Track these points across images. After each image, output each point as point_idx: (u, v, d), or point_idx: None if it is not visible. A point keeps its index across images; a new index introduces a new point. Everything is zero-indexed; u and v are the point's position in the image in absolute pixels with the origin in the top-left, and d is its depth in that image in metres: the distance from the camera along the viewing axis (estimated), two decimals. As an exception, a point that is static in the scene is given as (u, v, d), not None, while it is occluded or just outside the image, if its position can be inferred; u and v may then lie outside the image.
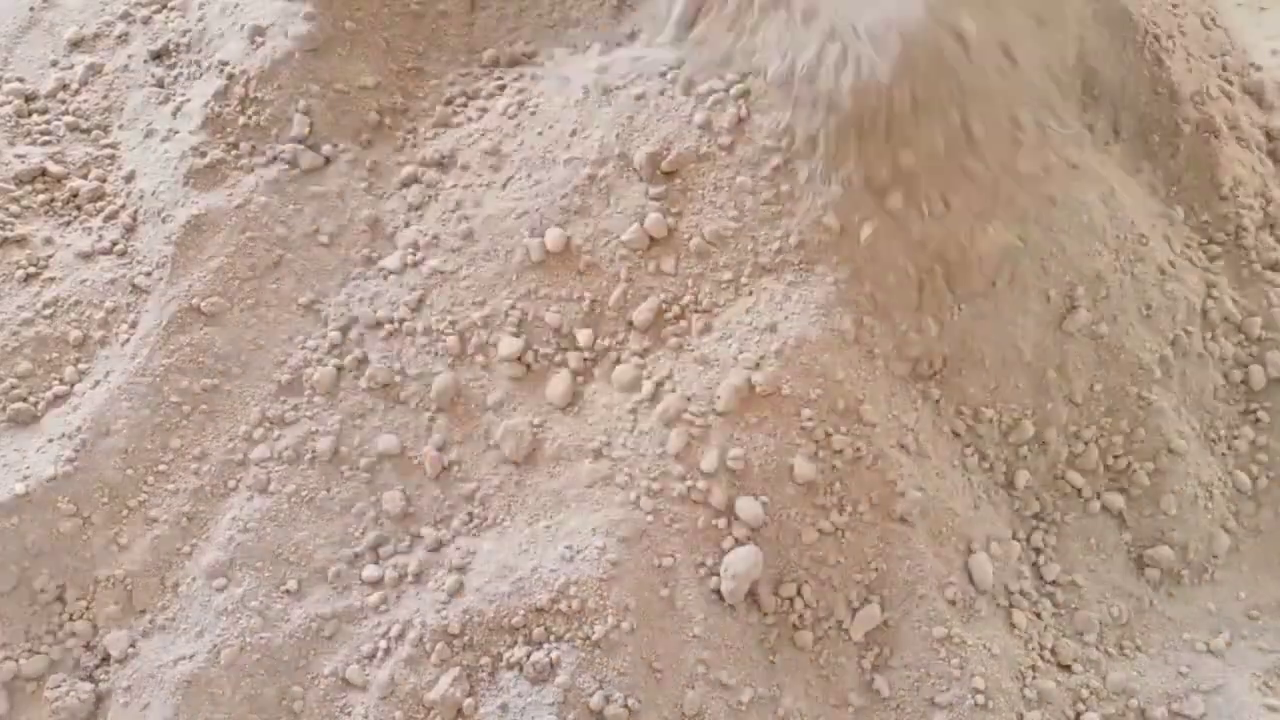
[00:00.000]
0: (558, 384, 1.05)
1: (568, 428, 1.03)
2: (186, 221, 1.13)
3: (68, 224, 1.19)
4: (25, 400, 1.07)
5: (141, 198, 1.19)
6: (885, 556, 1.00)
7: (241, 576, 0.98)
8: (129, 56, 1.32)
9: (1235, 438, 1.14)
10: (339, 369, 1.08)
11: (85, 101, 1.30)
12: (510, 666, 0.92)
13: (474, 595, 0.95)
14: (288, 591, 0.97)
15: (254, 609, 0.96)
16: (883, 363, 1.04)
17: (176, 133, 1.21)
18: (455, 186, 1.16)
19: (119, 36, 1.34)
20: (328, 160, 1.18)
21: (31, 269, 1.14)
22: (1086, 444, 1.08)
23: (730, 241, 1.05)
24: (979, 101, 1.06)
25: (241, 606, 0.96)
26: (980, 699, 0.96)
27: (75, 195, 1.20)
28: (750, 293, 1.04)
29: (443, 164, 1.18)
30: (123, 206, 1.20)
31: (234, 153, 1.18)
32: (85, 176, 1.22)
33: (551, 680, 0.91)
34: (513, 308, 1.07)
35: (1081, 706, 1.00)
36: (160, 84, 1.29)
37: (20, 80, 1.31)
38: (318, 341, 1.09)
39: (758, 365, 1.01)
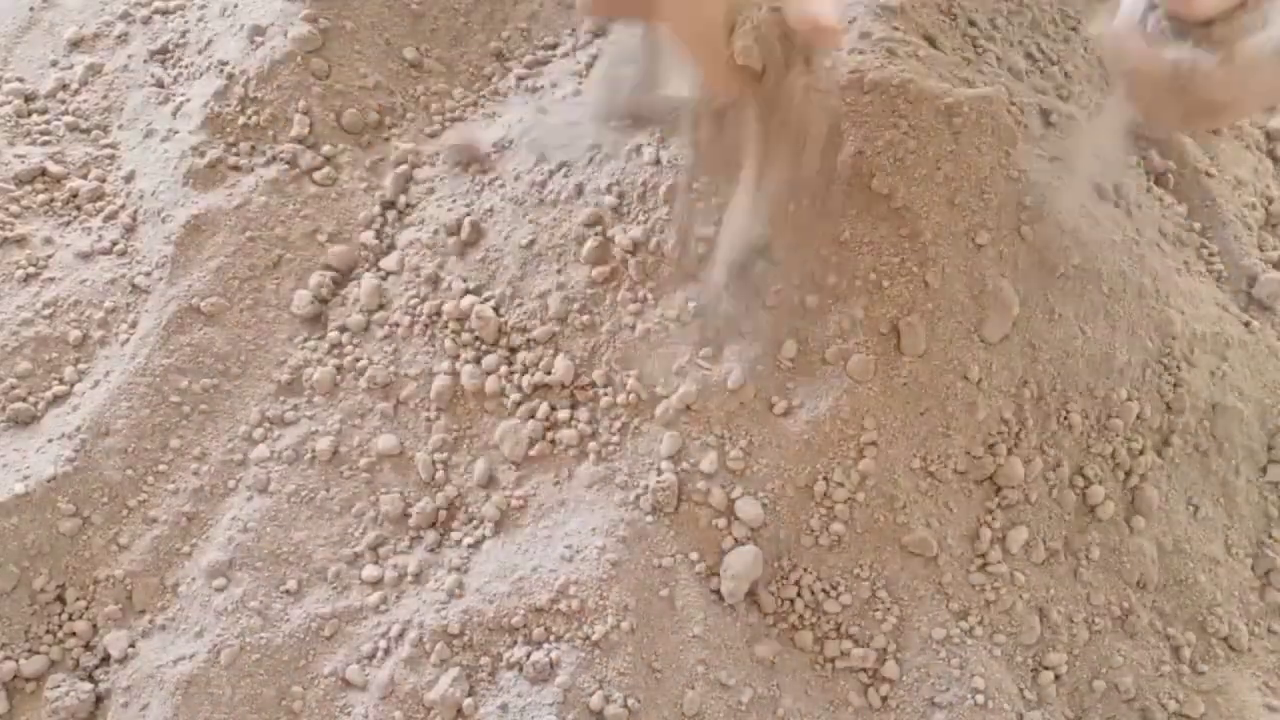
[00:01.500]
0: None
1: (568, 428, 1.03)
2: (186, 221, 1.13)
3: (67, 224, 1.19)
4: (25, 400, 1.07)
5: (141, 198, 1.19)
6: (886, 560, 1.00)
7: (241, 576, 0.98)
8: (129, 56, 1.32)
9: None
10: (339, 369, 1.08)
11: (85, 101, 1.30)
12: (510, 666, 0.92)
13: (474, 595, 0.95)
14: (287, 591, 0.97)
15: (254, 609, 0.96)
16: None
17: (176, 133, 1.21)
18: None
19: (119, 36, 1.34)
20: (327, 160, 1.18)
21: (31, 269, 1.14)
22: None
23: None
24: None
25: (241, 606, 0.96)
26: (980, 699, 0.96)
27: (75, 195, 1.20)
28: None
29: (444, 163, 1.18)
30: (122, 206, 1.20)
31: (234, 153, 1.18)
32: (85, 176, 1.22)
33: (551, 680, 0.91)
34: (515, 308, 1.07)
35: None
36: (160, 84, 1.29)
37: (20, 80, 1.31)
38: (317, 342, 1.09)
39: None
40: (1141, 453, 1.08)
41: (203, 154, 1.17)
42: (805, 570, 0.99)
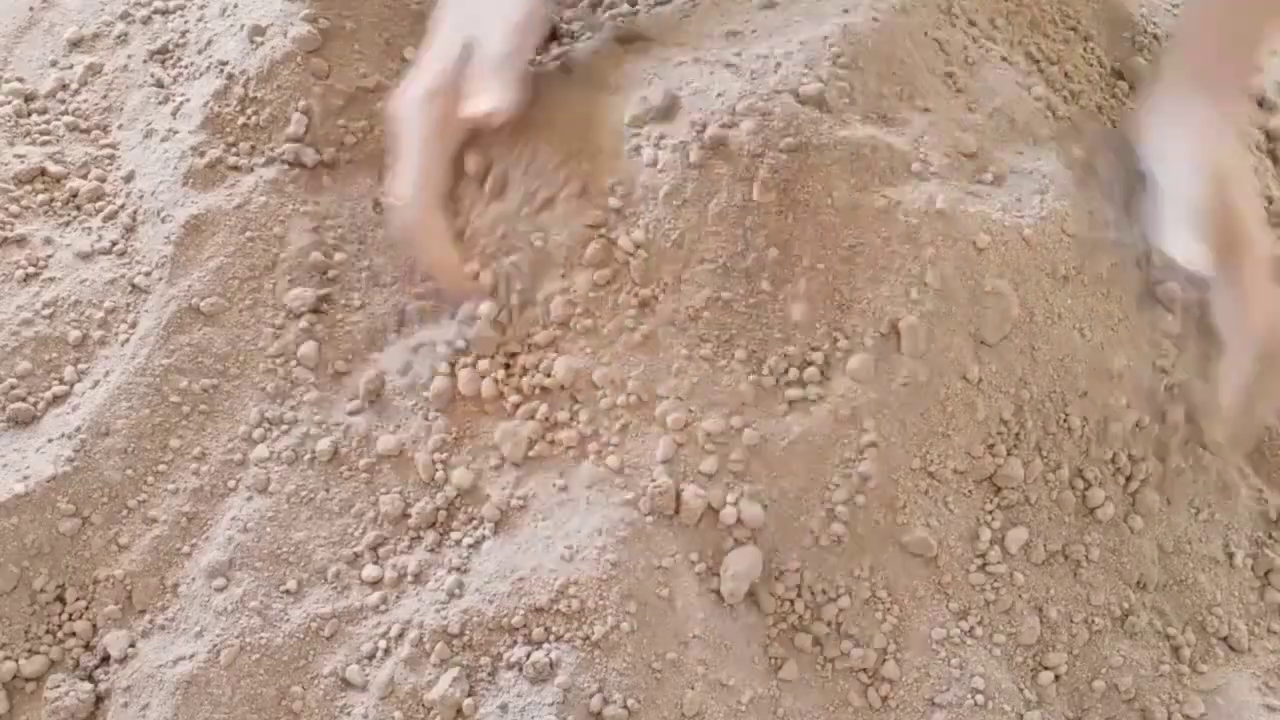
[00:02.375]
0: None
1: (568, 428, 1.03)
2: (186, 221, 1.13)
3: (67, 224, 1.19)
4: (25, 400, 1.07)
5: (141, 198, 1.19)
6: (886, 560, 1.00)
7: (241, 576, 0.98)
8: (129, 56, 1.32)
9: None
10: (338, 370, 1.08)
11: (85, 101, 1.29)
12: (510, 666, 0.92)
13: (474, 595, 0.95)
14: (287, 591, 0.97)
15: (253, 609, 0.96)
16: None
17: (176, 133, 1.21)
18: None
19: (119, 36, 1.34)
20: (327, 160, 1.18)
21: (31, 269, 1.14)
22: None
23: None
24: None
25: (241, 606, 0.96)
26: (980, 699, 0.96)
27: (75, 195, 1.20)
28: None
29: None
30: (122, 206, 1.20)
31: (234, 153, 1.18)
32: (85, 176, 1.22)
33: (551, 680, 0.91)
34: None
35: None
36: (160, 84, 1.28)
37: (20, 80, 1.31)
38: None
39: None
40: (1142, 458, 1.08)
41: (202, 154, 1.17)
42: (805, 571, 0.99)
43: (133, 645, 0.97)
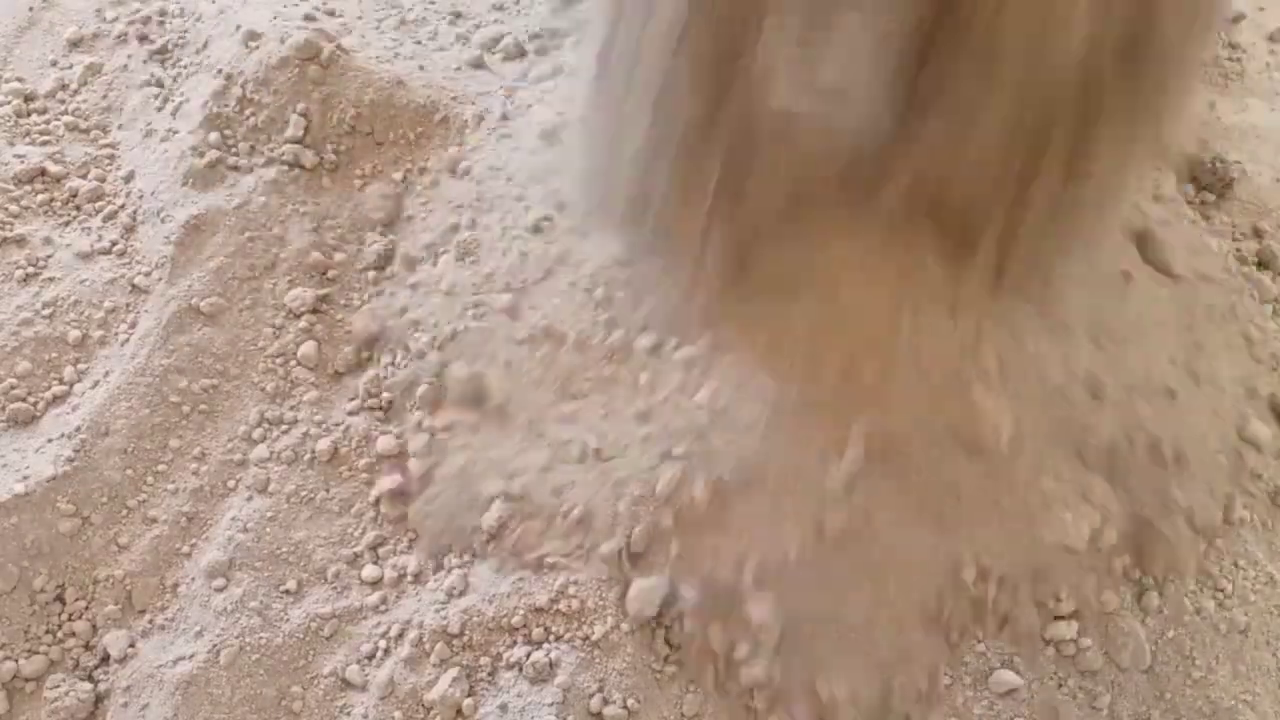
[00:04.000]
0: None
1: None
2: (186, 222, 1.13)
3: (67, 224, 1.19)
4: (25, 400, 1.07)
5: (141, 198, 1.19)
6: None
7: (241, 576, 0.98)
8: (128, 56, 1.32)
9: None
10: (338, 370, 1.08)
11: (84, 101, 1.29)
12: (510, 666, 0.92)
13: (474, 595, 0.95)
14: (287, 591, 0.98)
15: (253, 609, 0.96)
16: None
17: (175, 133, 1.21)
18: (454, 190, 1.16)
19: (118, 36, 1.34)
20: (326, 162, 1.18)
21: (31, 269, 1.14)
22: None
23: None
24: None
25: (241, 606, 0.96)
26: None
27: (74, 195, 1.20)
28: None
29: (443, 169, 1.18)
30: (122, 206, 1.20)
31: (233, 153, 1.18)
32: (84, 176, 1.22)
33: (551, 680, 0.91)
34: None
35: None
36: (159, 84, 1.29)
37: (20, 80, 1.31)
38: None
39: None
40: None
41: (202, 154, 1.17)
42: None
43: (133, 645, 0.97)
